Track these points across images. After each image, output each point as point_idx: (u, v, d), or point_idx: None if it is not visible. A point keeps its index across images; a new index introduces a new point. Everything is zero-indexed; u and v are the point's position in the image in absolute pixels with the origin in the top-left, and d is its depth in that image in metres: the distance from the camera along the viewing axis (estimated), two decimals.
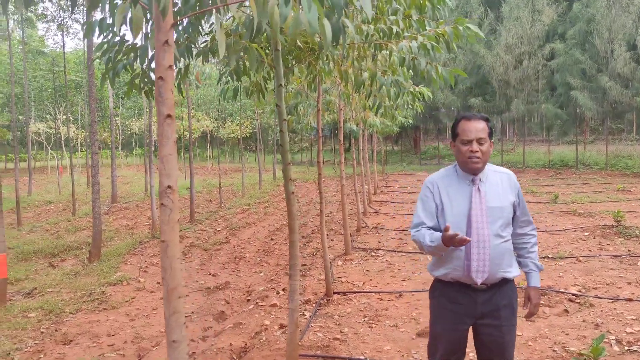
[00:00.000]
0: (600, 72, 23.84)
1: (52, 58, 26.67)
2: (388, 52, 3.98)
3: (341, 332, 4.82)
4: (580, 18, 24.93)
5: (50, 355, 4.46)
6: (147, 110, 13.32)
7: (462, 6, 32.72)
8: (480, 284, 2.52)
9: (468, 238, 2.32)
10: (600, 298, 5.49)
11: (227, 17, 4.22)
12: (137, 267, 7.56)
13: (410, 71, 3.84)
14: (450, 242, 2.34)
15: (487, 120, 2.56)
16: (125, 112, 38.00)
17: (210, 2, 2.67)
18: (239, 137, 24.33)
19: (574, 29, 25.02)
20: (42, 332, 4.95)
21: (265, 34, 3.59)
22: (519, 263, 2.73)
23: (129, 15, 2.74)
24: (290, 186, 4.13)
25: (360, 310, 5.40)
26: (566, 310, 5.16)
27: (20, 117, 29.76)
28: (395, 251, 8.24)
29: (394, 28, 3.81)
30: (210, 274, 7.26)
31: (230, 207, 14.80)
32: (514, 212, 2.62)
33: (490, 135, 2.55)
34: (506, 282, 2.60)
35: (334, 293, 6.04)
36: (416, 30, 3.93)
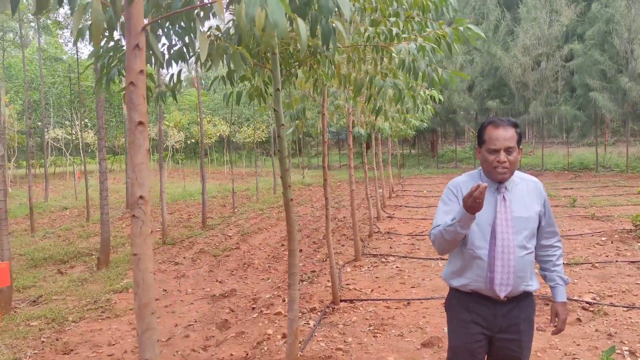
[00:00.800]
0: (620, 72, 23.38)
1: (69, 64, 26.96)
2: (388, 55, 3.87)
3: (345, 341, 4.70)
4: (599, 18, 24.48)
5: None
6: (155, 116, 13.37)
7: (479, 8, 32.44)
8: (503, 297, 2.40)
9: (484, 184, 2.13)
10: (615, 306, 5.29)
11: (225, 23, 4.15)
12: None
13: (412, 74, 3.71)
14: (470, 198, 2.15)
15: (516, 126, 2.40)
16: None
17: (198, 3, 2.59)
18: (254, 141, 24.31)
19: (593, 29, 24.58)
20: (42, 342, 4.91)
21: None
22: (544, 277, 2.61)
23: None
24: (289, 193, 4.04)
25: (366, 319, 5.27)
26: (579, 319, 4.98)
27: (40, 124, 30.14)
28: (406, 257, 8.08)
29: (394, 30, 3.70)
30: (217, 281, 7.19)
31: (243, 212, 14.75)
32: (539, 222, 2.50)
33: (519, 142, 2.40)
34: (527, 295, 2.50)
35: (341, 301, 5.92)
36: (417, 32, 3.81)
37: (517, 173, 2.48)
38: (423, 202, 15.78)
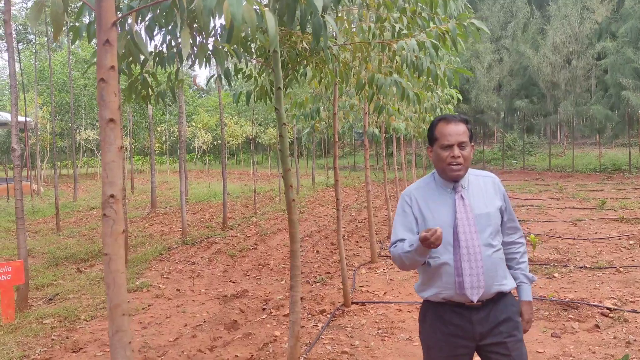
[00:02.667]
0: None
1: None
2: (392, 52, 3.78)
3: (351, 345, 4.62)
4: (633, 14, 23.78)
5: None
6: (172, 115, 13.48)
7: (508, 6, 31.90)
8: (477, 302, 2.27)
9: (440, 229, 2.08)
10: (637, 312, 5.08)
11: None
12: (160, 274, 7.55)
13: (415, 71, 3.61)
14: (426, 242, 2.08)
15: (467, 122, 2.36)
16: (172, 119, 38.75)
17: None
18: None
19: (626, 27, 23.87)
20: (52, 339, 4.95)
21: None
22: None
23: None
24: (291, 193, 3.98)
25: (376, 322, 5.18)
26: (597, 326, 4.79)
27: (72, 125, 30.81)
28: None
29: (397, 26, 3.61)
30: (231, 281, 7.17)
31: (264, 212, 14.76)
32: (502, 219, 2.41)
33: (471, 138, 2.35)
34: (502, 296, 2.36)
35: (352, 303, 5.84)
36: (422, 28, 3.72)
37: (471, 170, 2.41)
38: None
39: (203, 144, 33.33)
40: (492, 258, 2.28)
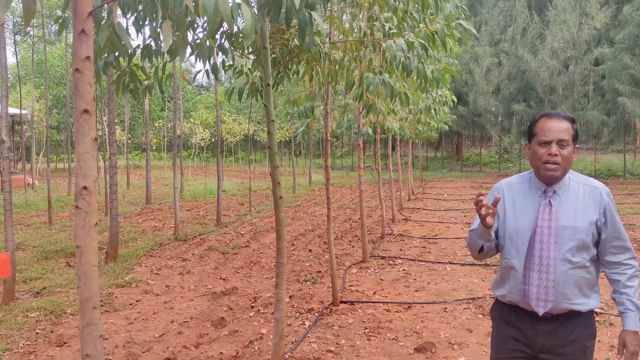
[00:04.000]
0: None
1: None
2: (382, 52, 3.77)
3: (337, 344, 4.60)
4: (631, 21, 23.79)
5: (40, 357, 4.42)
6: (171, 111, 13.42)
7: (507, 10, 31.92)
8: (544, 314, 2.16)
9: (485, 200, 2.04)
10: None
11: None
12: (150, 270, 7.52)
13: (404, 71, 3.60)
14: (477, 206, 2.05)
15: (572, 120, 2.15)
16: (170, 115, 38.69)
17: None
18: (278, 140, 24.30)
19: (624, 33, 23.89)
20: (37, 333, 4.92)
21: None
22: (613, 299, 2.24)
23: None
24: (278, 190, 3.96)
25: (363, 322, 5.17)
26: None
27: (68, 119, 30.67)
28: (414, 260, 7.94)
29: (387, 25, 3.60)
30: (221, 278, 7.15)
31: (260, 210, 14.74)
32: (599, 235, 2.18)
33: (575, 138, 2.14)
34: (577, 314, 2.17)
35: (341, 302, 5.82)
36: (411, 28, 3.70)
37: (575, 176, 2.22)
38: (441, 206, 15.57)
39: (201, 140, 33.29)
40: (568, 274, 2.12)
